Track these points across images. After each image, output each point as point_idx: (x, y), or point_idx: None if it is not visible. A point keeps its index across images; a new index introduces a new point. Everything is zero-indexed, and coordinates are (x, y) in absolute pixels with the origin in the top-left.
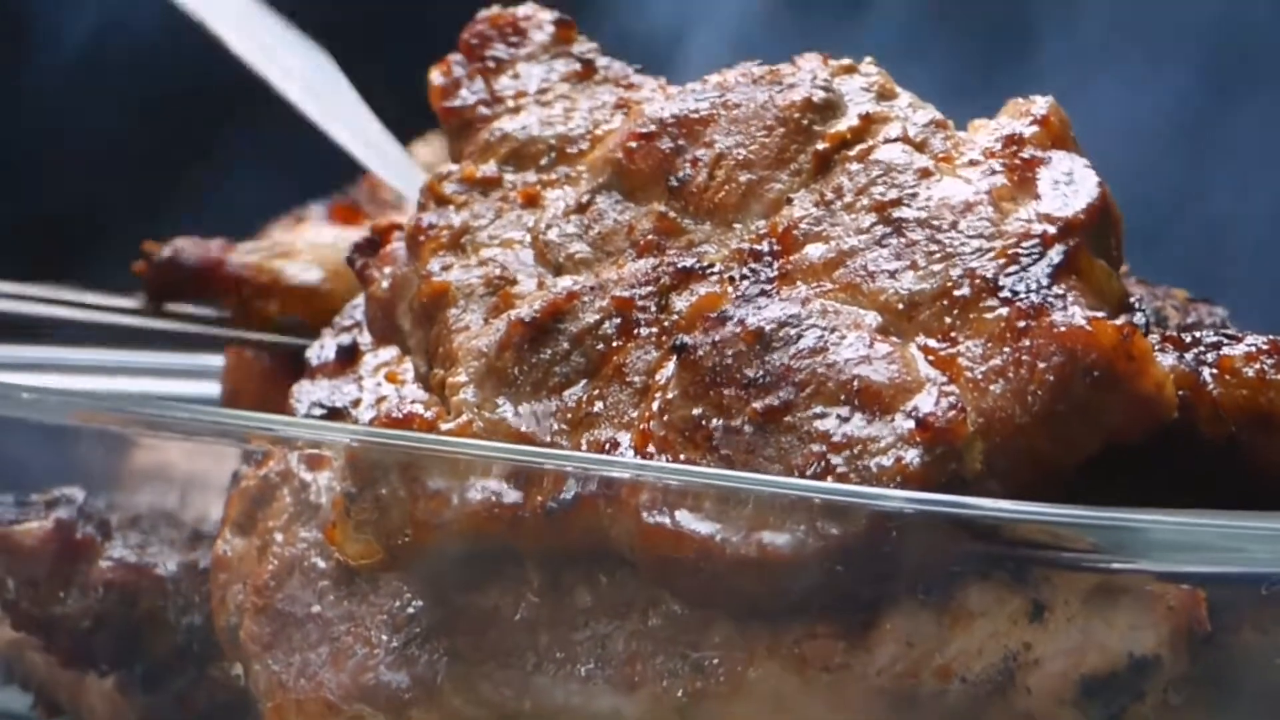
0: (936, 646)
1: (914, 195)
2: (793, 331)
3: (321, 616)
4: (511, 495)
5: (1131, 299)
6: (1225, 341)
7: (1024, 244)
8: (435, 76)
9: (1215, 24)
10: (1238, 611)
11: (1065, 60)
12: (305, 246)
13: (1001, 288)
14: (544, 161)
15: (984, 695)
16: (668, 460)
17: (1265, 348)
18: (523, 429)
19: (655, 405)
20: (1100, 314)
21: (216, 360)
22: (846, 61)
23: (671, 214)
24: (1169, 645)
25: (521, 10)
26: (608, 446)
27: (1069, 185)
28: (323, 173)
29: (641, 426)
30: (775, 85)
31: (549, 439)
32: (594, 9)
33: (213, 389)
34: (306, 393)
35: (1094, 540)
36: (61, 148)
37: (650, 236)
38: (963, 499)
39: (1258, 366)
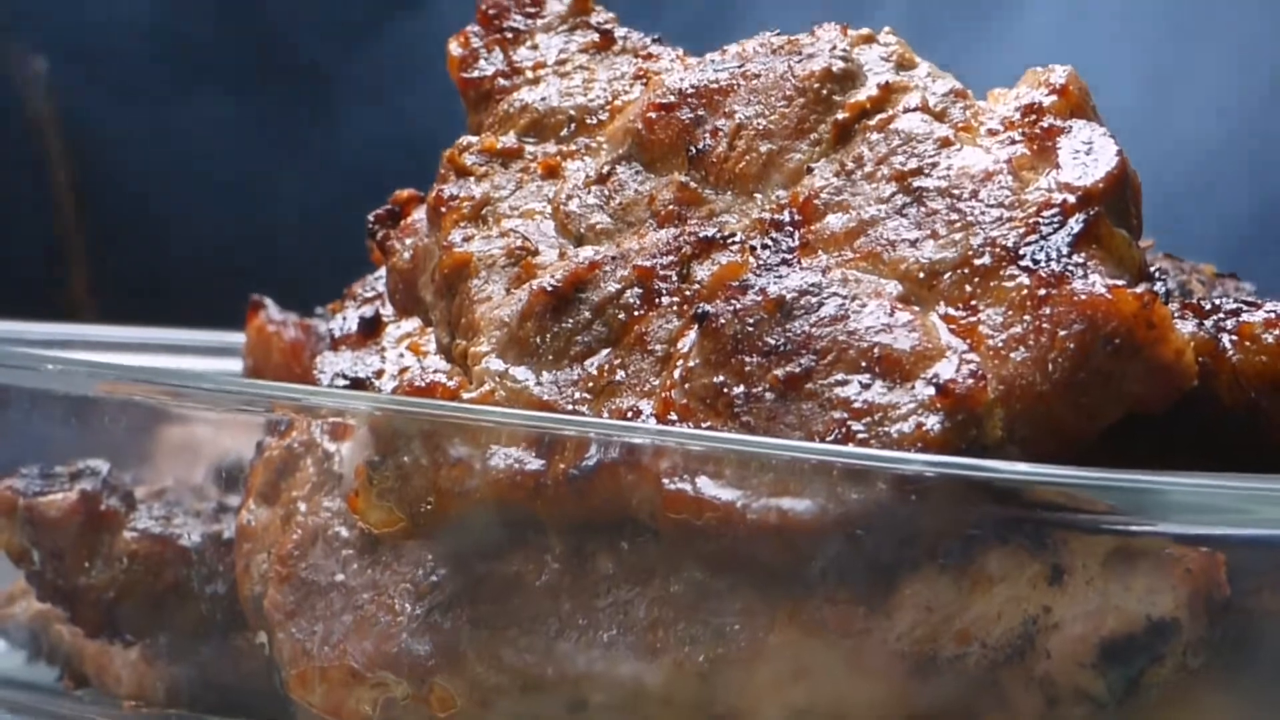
0: (956, 611)
1: (934, 164)
2: (814, 300)
3: (345, 585)
4: (534, 463)
5: (1152, 269)
6: (1244, 308)
7: (1044, 213)
8: (453, 48)
9: None
10: (1256, 575)
11: None
12: None
13: (1022, 256)
14: (564, 132)
15: (1003, 659)
16: (690, 428)
17: None
18: (545, 397)
19: (677, 373)
20: (1120, 282)
21: (238, 337)
22: (865, 31)
23: (692, 184)
24: (1187, 608)
25: None
26: (630, 414)
27: (1088, 154)
28: None
29: (663, 394)
30: (794, 55)
31: (571, 408)
32: None
33: (234, 365)
34: (330, 364)
35: (1112, 502)
36: None
37: (671, 207)
38: (982, 462)
39: (1277, 333)
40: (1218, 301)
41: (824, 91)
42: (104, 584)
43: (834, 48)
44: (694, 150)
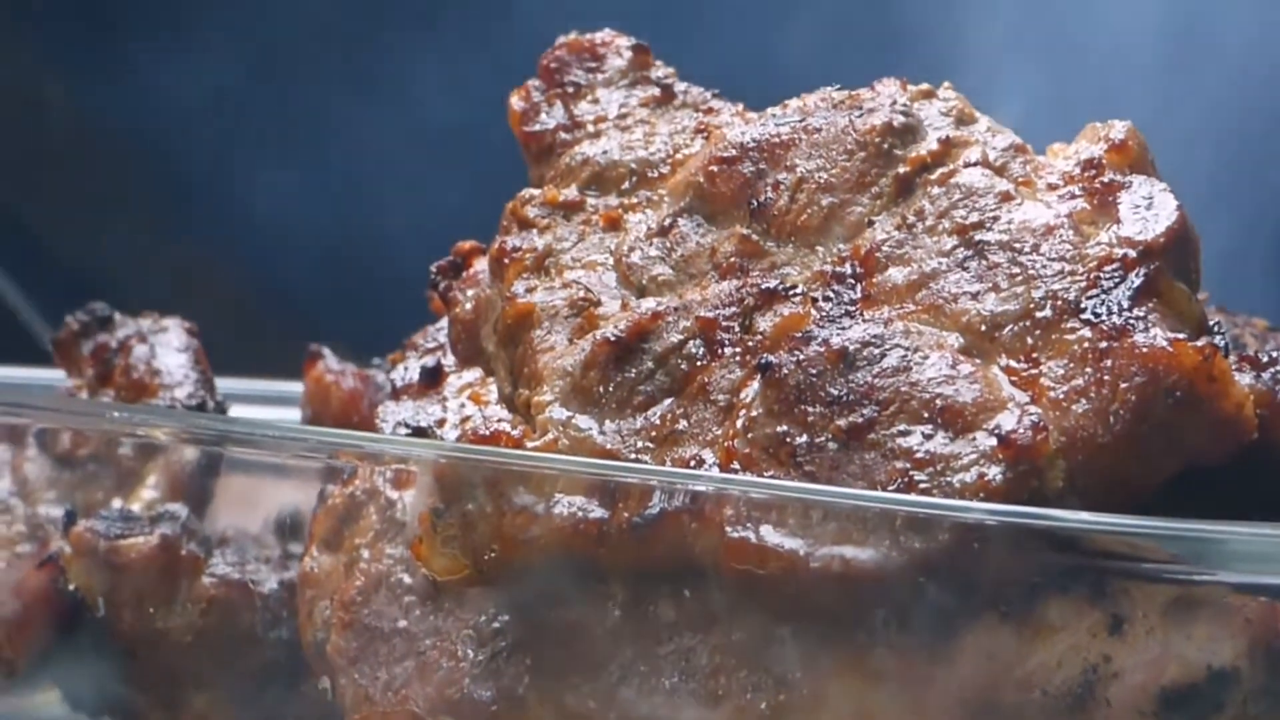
0: (1017, 660)
1: (995, 218)
2: (876, 351)
3: (407, 631)
4: (597, 511)
5: (1211, 323)
6: None
7: (1105, 267)
8: (515, 101)
9: None
10: None
11: None
12: None
13: (1083, 309)
14: (625, 185)
15: (1064, 707)
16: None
17: None
18: (608, 446)
19: (740, 423)
20: (1181, 335)
21: (296, 386)
22: (925, 86)
23: (754, 236)
24: (1247, 657)
25: (599, 35)
26: (693, 463)
27: (1149, 209)
28: None
29: (726, 444)
30: (855, 110)
31: (633, 456)
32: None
33: (292, 414)
34: (392, 413)
35: (1173, 551)
36: None
37: (733, 259)
38: (1044, 510)
39: None
40: (1274, 354)
41: (885, 145)
42: (181, 628)
43: (894, 102)
44: (755, 203)
